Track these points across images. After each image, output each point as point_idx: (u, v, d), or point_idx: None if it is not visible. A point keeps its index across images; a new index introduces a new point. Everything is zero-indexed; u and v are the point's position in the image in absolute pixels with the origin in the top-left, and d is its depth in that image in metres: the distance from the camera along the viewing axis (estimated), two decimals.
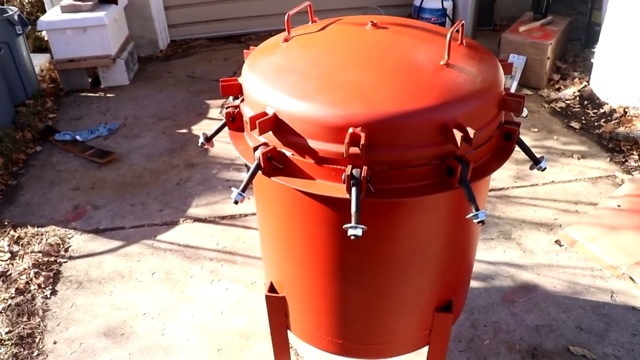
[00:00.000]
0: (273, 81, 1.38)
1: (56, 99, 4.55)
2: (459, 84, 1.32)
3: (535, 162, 1.50)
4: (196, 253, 2.82)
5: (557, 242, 2.76)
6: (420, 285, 1.59)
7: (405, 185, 1.33)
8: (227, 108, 1.61)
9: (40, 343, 2.37)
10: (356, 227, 1.24)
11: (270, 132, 1.37)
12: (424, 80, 1.32)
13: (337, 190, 1.31)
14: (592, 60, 4.27)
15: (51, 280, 2.68)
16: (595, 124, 3.88)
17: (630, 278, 2.49)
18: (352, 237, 1.25)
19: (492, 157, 1.44)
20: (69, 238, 2.96)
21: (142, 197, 3.28)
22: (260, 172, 1.40)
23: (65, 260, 2.81)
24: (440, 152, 1.30)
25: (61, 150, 3.80)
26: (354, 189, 1.26)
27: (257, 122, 1.31)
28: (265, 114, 1.35)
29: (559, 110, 4.13)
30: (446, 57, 1.37)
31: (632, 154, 3.43)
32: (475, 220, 1.29)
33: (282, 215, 1.56)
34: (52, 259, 2.81)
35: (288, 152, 1.38)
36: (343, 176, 1.27)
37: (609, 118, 3.88)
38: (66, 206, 3.22)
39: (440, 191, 1.32)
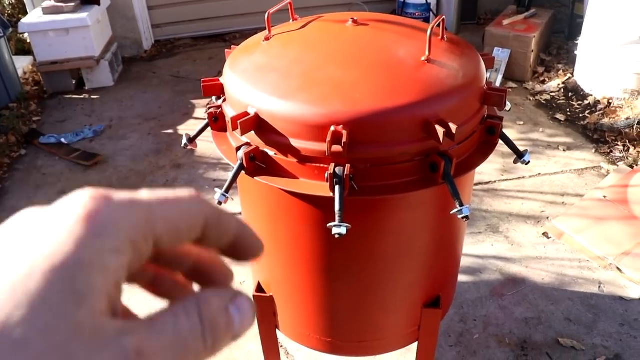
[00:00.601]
0: (254, 80, 1.37)
1: (40, 101, 4.50)
2: (440, 80, 1.32)
3: (519, 156, 1.51)
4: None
5: (545, 234, 2.78)
6: (408, 281, 1.59)
7: (389, 182, 1.32)
8: (209, 108, 1.60)
9: None
10: (340, 226, 1.24)
11: (253, 132, 1.36)
12: (404, 76, 1.32)
13: (320, 188, 1.31)
14: (575, 52, 4.29)
15: None
16: (580, 115, 3.91)
17: (618, 268, 2.51)
18: (337, 236, 1.25)
19: (476, 152, 1.45)
20: None
21: None
22: (243, 172, 1.40)
23: None
24: (423, 148, 1.30)
25: (46, 153, 3.76)
26: (337, 188, 1.26)
27: (238, 122, 1.30)
28: (246, 113, 1.34)
29: (544, 102, 4.16)
30: (427, 52, 1.37)
31: (617, 145, 3.45)
32: (459, 216, 1.29)
33: (267, 215, 1.56)
34: None
35: (271, 152, 1.37)
36: (326, 175, 1.26)
37: (593, 109, 3.90)
38: None
39: (424, 187, 1.32)
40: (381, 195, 1.31)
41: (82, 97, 4.57)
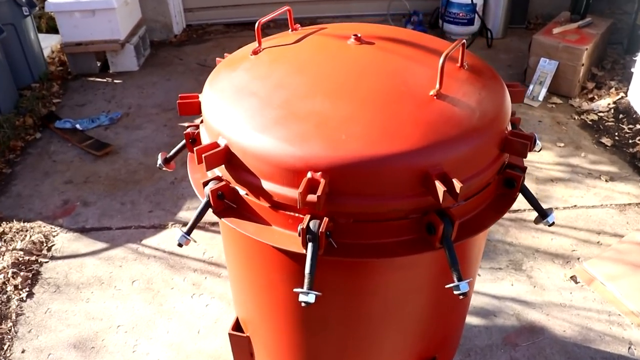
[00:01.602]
0: (229, 105, 1.17)
1: (63, 82, 4.42)
2: (449, 122, 1.09)
3: (542, 216, 1.26)
4: (180, 262, 2.65)
5: (573, 278, 2.50)
6: (396, 343, 1.38)
7: (376, 242, 1.11)
8: (187, 127, 1.41)
9: (9, 350, 2.24)
10: (308, 293, 1.03)
11: (223, 166, 1.16)
12: (405, 115, 1.09)
13: (292, 242, 1.10)
14: (632, 70, 3.91)
15: (29, 282, 2.54)
16: (630, 141, 3.56)
17: None
18: (303, 304, 1.04)
19: (488, 208, 1.21)
20: (54, 236, 2.82)
21: (134, 195, 3.12)
22: (211, 210, 1.20)
23: (46, 260, 2.67)
24: (420, 204, 1.08)
25: (60, 138, 3.66)
26: (310, 246, 1.05)
27: (203, 156, 1.10)
28: (215, 145, 1.14)
29: (590, 123, 3.81)
30: (437, 85, 1.13)
31: None
32: (455, 292, 1.06)
33: (241, 257, 1.36)
34: (34, 258, 2.67)
35: (242, 191, 1.17)
36: (299, 228, 1.05)
37: None
38: (56, 201, 3.08)
39: (417, 252, 1.10)
40: (363, 258, 1.09)
41: (104, 80, 4.47)
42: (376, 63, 1.24)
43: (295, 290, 1.04)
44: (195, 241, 1.26)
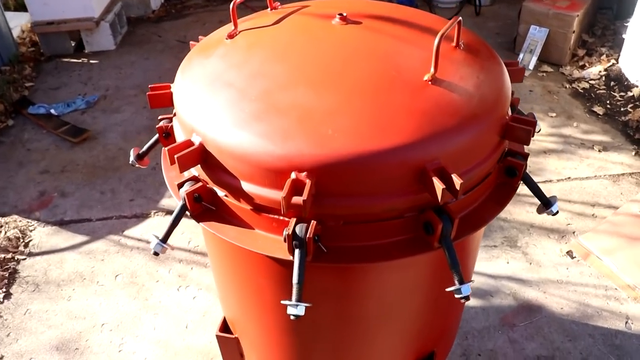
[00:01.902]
0: (202, 98, 1.06)
1: (36, 65, 4.23)
2: (446, 110, 0.99)
3: (546, 204, 1.17)
4: (165, 253, 2.54)
5: (569, 253, 2.44)
6: (392, 344, 1.30)
7: (369, 243, 1.02)
8: (160, 120, 1.30)
9: None
10: (297, 306, 0.94)
11: (199, 166, 1.06)
12: (397, 105, 0.98)
13: (277, 247, 1.01)
14: (623, 36, 3.82)
15: (6, 281, 2.43)
16: (622, 109, 3.48)
17: None
18: (292, 317, 0.95)
19: (488, 199, 1.12)
20: (31, 231, 2.70)
21: (114, 183, 2.99)
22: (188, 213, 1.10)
23: (24, 257, 2.56)
24: (416, 202, 0.98)
25: (34, 125, 3.51)
26: (297, 252, 0.95)
27: (175, 157, 0.99)
28: (189, 143, 1.03)
29: (582, 91, 3.73)
30: (432, 69, 1.03)
31: None
32: (457, 296, 0.98)
33: (224, 260, 1.27)
34: (10, 255, 2.55)
35: (221, 192, 1.07)
36: (284, 234, 0.96)
37: (637, 103, 3.47)
38: (32, 192, 2.95)
39: (414, 253, 1.01)
40: (356, 263, 1.00)
41: (80, 61, 4.28)
42: (364, 45, 1.13)
43: (283, 302, 0.95)
44: (172, 248, 1.16)
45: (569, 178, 2.91)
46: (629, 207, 2.61)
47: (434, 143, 0.94)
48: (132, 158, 1.38)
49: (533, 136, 1.08)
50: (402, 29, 1.20)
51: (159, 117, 1.30)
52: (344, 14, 1.19)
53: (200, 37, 1.40)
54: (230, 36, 1.20)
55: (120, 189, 2.95)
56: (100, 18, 4.28)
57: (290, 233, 0.95)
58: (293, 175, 0.92)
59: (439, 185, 0.90)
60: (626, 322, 2.14)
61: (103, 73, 4.10)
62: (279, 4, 1.35)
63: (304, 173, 0.92)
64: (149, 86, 1.25)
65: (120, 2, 4.70)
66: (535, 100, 3.64)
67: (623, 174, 2.93)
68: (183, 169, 1.02)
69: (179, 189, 1.09)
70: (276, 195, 0.95)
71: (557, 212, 1.17)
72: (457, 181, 0.91)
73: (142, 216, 2.77)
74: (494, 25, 4.76)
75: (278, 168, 0.93)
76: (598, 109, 3.50)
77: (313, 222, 0.95)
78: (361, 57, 1.09)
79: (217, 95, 1.04)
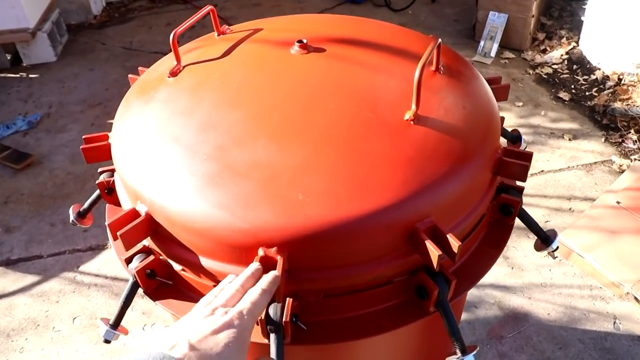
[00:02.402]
0: (144, 157, 0.89)
1: None
2: (434, 156, 0.85)
3: (545, 242, 1.05)
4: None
5: (550, 253, 2.36)
6: None
7: (354, 314, 0.87)
8: (100, 173, 1.12)
9: None
10: None
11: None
12: (377, 154, 0.84)
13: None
14: (582, 18, 3.76)
15: None
16: (587, 93, 3.43)
17: (635, 298, 2.12)
18: None
19: (482, 244, 0.99)
20: None
21: (64, 212, 2.77)
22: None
23: None
24: (406, 266, 0.85)
25: None
26: (273, 337, 0.80)
27: (119, 234, 0.82)
28: (134, 214, 0.86)
29: (545, 77, 3.66)
30: (413, 106, 0.89)
31: (630, 133, 3.00)
32: None
33: None
34: None
35: (177, 265, 0.91)
36: None
37: (601, 87, 3.43)
38: None
39: (406, 322, 0.87)
40: (340, 341, 0.85)
41: (18, 76, 3.98)
42: (331, 80, 0.97)
43: None
44: (126, 333, 0.99)
45: (542, 171, 2.83)
46: (606, 199, 2.55)
47: (424, 198, 0.80)
48: (71, 217, 1.19)
49: (528, 170, 0.95)
50: (371, 54, 1.05)
51: (99, 170, 1.12)
52: (304, 41, 1.03)
53: (140, 68, 1.22)
54: (173, 73, 1.02)
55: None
56: (36, 28, 3.98)
57: (262, 318, 0.80)
58: (261, 252, 0.77)
59: (434, 252, 0.76)
60: (614, 323, 2.07)
61: (44, 88, 3.82)
62: (227, 28, 1.18)
63: (274, 248, 0.76)
64: (83, 137, 1.07)
65: (57, 8, 4.40)
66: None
67: (595, 163, 2.88)
68: (129, 246, 0.85)
69: (127, 264, 0.92)
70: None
71: (557, 248, 1.05)
72: (454, 243, 0.77)
73: (98, 248, 2.56)
74: (451, 12, 4.66)
75: (242, 244, 0.78)
76: (564, 95, 3.44)
77: (289, 301, 0.80)
78: (329, 96, 0.93)
79: (162, 154, 0.87)
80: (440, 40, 0.95)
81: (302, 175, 0.80)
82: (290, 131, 0.86)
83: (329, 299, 0.85)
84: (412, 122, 0.88)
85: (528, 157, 0.94)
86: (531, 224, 1.04)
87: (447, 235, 0.78)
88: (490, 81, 1.12)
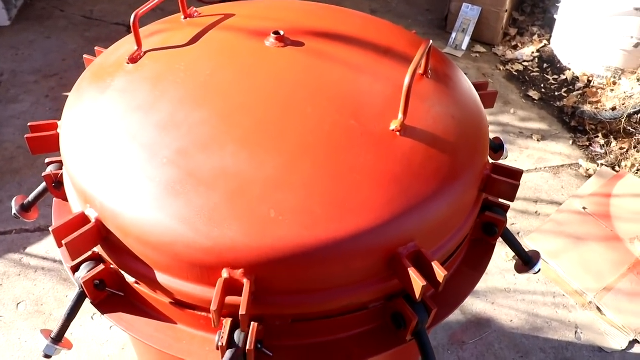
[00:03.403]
0: (96, 155, 0.78)
1: None
2: (421, 173, 0.77)
3: (527, 263, 1.00)
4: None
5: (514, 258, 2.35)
6: None
7: (324, 340, 0.80)
8: (47, 165, 1.00)
9: None
10: None
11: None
12: (359, 169, 0.75)
13: (208, 351, 0.77)
14: (555, 16, 3.75)
15: None
16: (556, 93, 3.43)
17: (598, 308, 2.13)
18: None
19: (462, 265, 0.93)
20: None
21: (12, 189, 2.59)
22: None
23: None
24: (383, 292, 0.77)
25: None
26: None
27: (64, 242, 0.72)
28: (82, 220, 0.76)
29: (516, 74, 3.65)
30: (401, 115, 0.81)
31: (597, 137, 3.01)
32: None
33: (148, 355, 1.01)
34: None
35: (130, 277, 0.81)
36: (217, 341, 0.72)
37: (571, 87, 3.43)
38: None
39: (380, 351, 0.80)
40: None
41: None
42: (310, 80, 0.88)
43: None
44: (70, 347, 0.89)
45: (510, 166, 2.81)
46: (572, 204, 2.55)
47: (409, 221, 0.73)
48: (15, 209, 1.07)
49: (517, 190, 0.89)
50: (354, 51, 0.96)
51: (46, 161, 1.00)
52: (281, 33, 0.93)
53: (97, 49, 1.10)
54: (133, 60, 0.91)
55: None
56: None
57: (224, 344, 0.71)
58: (225, 273, 0.68)
59: (418, 282, 0.69)
60: (576, 332, 2.07)
61: None
62: (195, 10, 1.07)
63: (240, 270, 0.68)
64: (29, 125, 0.95)
65: None
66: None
67: (562, 165, 2.88)
68: (76, 255, 0.75)
69: (73, 273, 0.82)
70: (203, 292, 0.71)
71: (539, 270, 1.00)
72: (440, 273, 0.70)
73: (47, 229, 2.41)
74: (423, 1, 4.58)
75: (204, 263, 0.69)
76: (533, 94, 3.43)
77: (254, 326, 0.72)
78: (307, 98, 0.84)
79: (117, 153, 0.76)
80: (431, 42, 0.87)
81: (275, 189, 0.71)
82: (262, 137, 0.77)
83: (298, 323, 0.77)
84: (398, 133, 0.80)
85: (518, 175, 0.88)
86: (514, 245, 0.99)
87: (433, 264, 0.71)
88: (477, 87, 1.05)
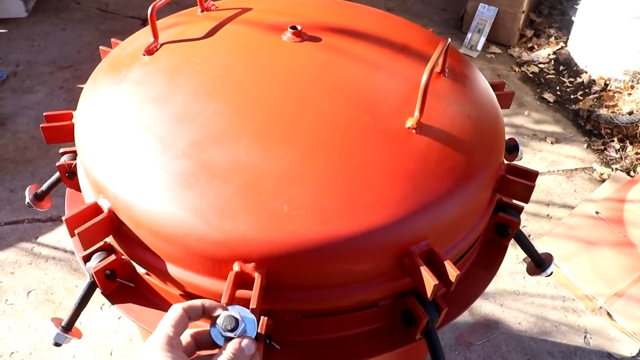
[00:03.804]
0: (110, 146, 0.78)
1: None
2: (436, 171, 0.77)
3: (539, 266, 0.99)
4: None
5: (525, 260, 2.33)
6: None
7: (333, 336, 0.80)
8: (61, 155, 1.01)
9: None
10: None
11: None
12: (374, 166, 0.75)
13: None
14: (573, 18, 3.72)
15: None
16: (572, 96, 3.40)
17: (608, 313, 2.11)
18: None
19: (474, 265, 0.92)
20: None
21: (25, 178, 2.62)
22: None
23: None
24: (394, 290, 0.77)
25: None
26: None
27: (76, 232, 0.72)
28: (95, 210, 0.76)
29: (531, 75, 3.62)
30: (417, 113, 0.80)
31: (612, 141, 2.98)
32: None
33: None
34: None
35: (141, 268, 0.81)
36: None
37: (587, 91, 3.40)
38: None
39: (389, 348, 0.80)
40: None
41: None
42: (326, 75, 0.88)
43: None
44: (80, 336, 0.90)
45: (525, 167, 2.79)
46: (584, 208, 2.53)
47: (423, 219, 0.72)
48: (28, 198, 1.08)
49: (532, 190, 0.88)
50: (371, 48, 0.96)
51: (60, 151, 1.01)
52: (298, 28, 0.93)
53: (113, 40, 1.10)
54: (149, 51, 0.91)
55: None
56: None
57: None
58: (236, 266, 0.68)
59: (430, 281, 0.69)
60: (585, 337, 2.05)
61: (13, 45, 3.60)
62: (212, 4, 1.06)
63: (251, 264, 0.68)
64: (44, 114, 0.95)
65: None
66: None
67: (576, 169, 2.85)
68: (88, 245, 0.75)
69: (85, 263, 0.82)
70: (214, 285, 0.71)
71: (552, 273, 0.99)
72: (452, 272, 0.70)
73: (59, 219, 2.42)
74: (439, 1, 4.56)
75: (215, 257, 0.69)
76: (548, 96, 3.40)
77: (263, 320, 0.72)
78: (323, 93, 0.84)
79: (131, 144, 0.77)
80: (449, 40, 0.86)
81: (289, 183, 0.71)
82: (277, 131, 0.77)
83: (307, 319, 0.77)
84: (414, 131, 0.79)
85: (533, 176, 0.87)
86: (527, 246, 0.98)
87: (445, 263, 0.70)
88: (494, 87, 1.04)
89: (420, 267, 0.70)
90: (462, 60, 1.02)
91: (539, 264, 0.98)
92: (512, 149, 1.14)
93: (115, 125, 0.80)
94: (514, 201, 0.95)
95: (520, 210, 0.94)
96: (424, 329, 0.78)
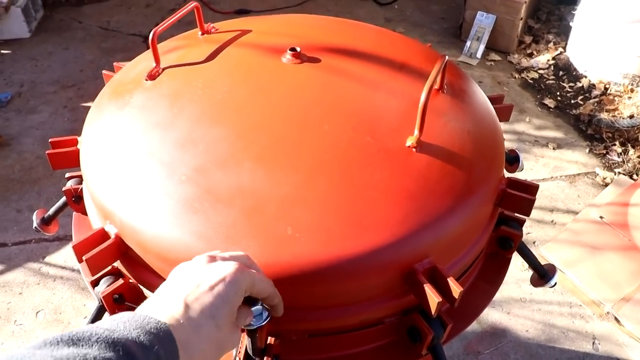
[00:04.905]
0: (115, 172, 0.80)
1: None
2: (437, 189, 0.78)
3: (543, 276, 1.00)
4: None
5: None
6: None
7: (339, 354, 0.80)
8: (68, 179, 1.03)
9: None
10: None
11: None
12: (375, 186, 0.76)
13: None
14: (570, 23, 3.73)
15: None
16: (572, 101, 3.41)
17: (616, 319, 2.10)
18: None
19: (478, 279, 0.93)
20: None
21: (32, 198, 2.64)
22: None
23: None
24: (399, 307, 0.78)
25: None
26: None
27: (84, 258, 0.74)
28: (102, 236, 0.77)
29: (531, 82, 3.63)
30: (416, 131, 0.81)
31: (614, 145, 2.99)
32: None
33: None
34: None
35: (149, 292, 0.82)
36: (234, 355, 0.73)
37: (587, 95, 3.41)
38: None
39: None
40: None
41: None
42: (326, 97, 0.89)
43: None
44: None
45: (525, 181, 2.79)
46: (588, 213, 2.53)
47: (425, 237, 0.73)
48: (35, 223, 1.10)
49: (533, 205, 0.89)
50: (370, 67, 0.97)
51: (66, 176, 1.03)
52: (297, 49, 0.94)
53: (115, 64, 1.12)
54: (151, 76, 0.93)
55: (39, 205, 2.60)
56: (10, 2, 3.78)
57: (242, 358, 0.72)
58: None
59: (434, 298, 0.70)
60: (593, 343, 2.05)
61: (16, 65, 3.64)
62: (212, 26, 1.08)
63: None
64: (49, 141, 0.97)
65: None
66: (486, 92, 3.44)
67: (579, 174, 2.86)
68: (96, 271, 0.77)
69: (93, 287, 0.83)
70: None
71: (555, 284, 0.99)
72: (455, 289, 0.71)
73: (66, 239, 2.44)
74: (437, 9, 4.59)
75: None
76: (549, 102, 3.41)
77: (271, 340, 0.73)
78: (323, 115, 0.85)
79: (136, 170, 0.78)
80: (447, 58, 0.88)
81: (292, 206, 0.72)
82: (279, 154, 0.78)
83: (314, 338, 0.78)
84: (414, 150, 0.80)
85: (534, 189, 0.88)
86: (529, 258, 0.98)
87: (448, 280, 0.71)
88: (492, 100, 1.06)
89: (424, 285, 0.71)
90: (460, 75, 1.03)
91: (542, 275, 0.99)
92: (513, 160, 1.14)
93: (120, 151, 0.82)
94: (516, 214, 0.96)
95: (522, 222, 0.95)
96: (429, 344, 0.78)
